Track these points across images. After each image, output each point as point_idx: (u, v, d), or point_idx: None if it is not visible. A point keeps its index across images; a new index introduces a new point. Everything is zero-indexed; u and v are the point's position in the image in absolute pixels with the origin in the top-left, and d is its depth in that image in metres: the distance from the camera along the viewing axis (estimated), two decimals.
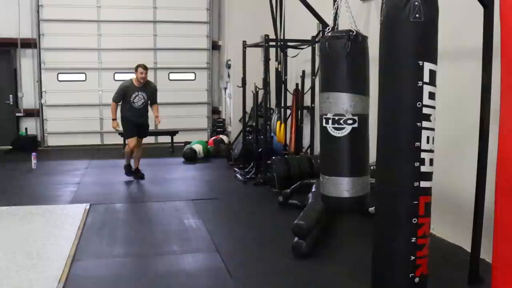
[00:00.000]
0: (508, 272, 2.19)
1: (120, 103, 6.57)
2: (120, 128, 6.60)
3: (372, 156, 3.33)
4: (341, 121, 3.50)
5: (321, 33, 6.12)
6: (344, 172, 3.55)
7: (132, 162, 6.76)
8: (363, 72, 3.61)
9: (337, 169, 3.59)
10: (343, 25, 4.31)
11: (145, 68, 6.40)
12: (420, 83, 2.53)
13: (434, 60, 2.58)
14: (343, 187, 3.52)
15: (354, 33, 3.42)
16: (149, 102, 6.61)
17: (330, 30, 3.60)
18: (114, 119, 6.50)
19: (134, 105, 6.43)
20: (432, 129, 2.61)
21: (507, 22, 2.16)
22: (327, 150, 3.68)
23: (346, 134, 3.46)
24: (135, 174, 6.77)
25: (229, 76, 9.90)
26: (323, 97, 3.63)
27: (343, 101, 3.51)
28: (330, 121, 3.52)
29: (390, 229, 2.68)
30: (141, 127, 6.63)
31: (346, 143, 3.49)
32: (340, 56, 3.52)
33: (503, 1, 2.18)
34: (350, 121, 3.50)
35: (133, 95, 6.40)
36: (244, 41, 7.23)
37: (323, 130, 3.58)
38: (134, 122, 6.50)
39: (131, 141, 6.52)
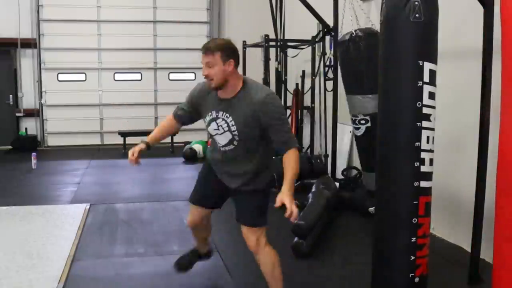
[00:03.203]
0: (509, 272, 2.19)
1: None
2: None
3: None
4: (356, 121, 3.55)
5: (321, 33, 6.13)
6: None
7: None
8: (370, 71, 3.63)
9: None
10: (345, 25, 4.31)
11: (208, 49, 2.44)
12: (420, 83, 2.53)
13: (434, 60, 2.58)
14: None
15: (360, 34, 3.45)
16: (254, 144, 2.56)
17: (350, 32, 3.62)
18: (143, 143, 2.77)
19: (216, 142, 2.66)
20: (432, 129, 2.60)
21: (507, 21, 2.15)
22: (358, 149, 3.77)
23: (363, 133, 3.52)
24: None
25: None
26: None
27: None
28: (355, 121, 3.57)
29: (390, 229, 2.68)
30: (223, 191, 2.79)
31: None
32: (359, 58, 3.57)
33: (503, 1, 2.18)
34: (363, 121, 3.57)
35: (208, 118, 2.60)
36: (244, 41, 7.23)
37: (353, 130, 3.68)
38: (211, 174, 2.82)
39: (191, 211, 2.99)
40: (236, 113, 2.47)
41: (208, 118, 2.57)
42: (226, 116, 2.50)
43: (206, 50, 2.45)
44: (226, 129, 2.51)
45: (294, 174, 2.41)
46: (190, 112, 2.73)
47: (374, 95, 3.55)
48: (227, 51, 2.45)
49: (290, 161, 2.42)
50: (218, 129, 2.54)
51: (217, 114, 2.52)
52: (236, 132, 2.49)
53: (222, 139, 2.56)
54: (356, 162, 5.82)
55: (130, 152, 2.67)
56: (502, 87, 2.29)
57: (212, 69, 2.43)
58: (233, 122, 2.49)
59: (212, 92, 2.55)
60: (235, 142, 2.54)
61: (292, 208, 2.30)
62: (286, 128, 2.48)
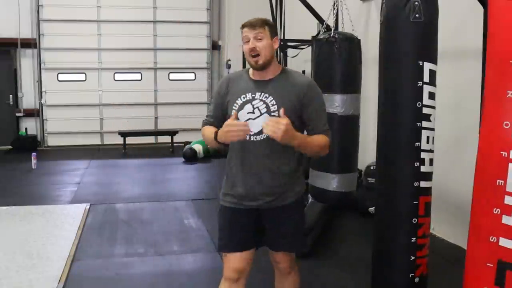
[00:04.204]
0: (478, 271, 2.19)
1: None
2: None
3: (372, 156, 3.34)
4: None
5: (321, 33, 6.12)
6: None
7: None
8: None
9: None
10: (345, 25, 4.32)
11: (257, 23, 2.20)
12: (420, 83, 2.53)
13: (434, 60, 2.58)
14: None
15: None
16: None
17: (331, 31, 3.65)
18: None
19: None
20: (432, 129, 2.61)
21: (495, 20, 2.14)
22: None
23: None
24: None
25: None
26: None
27: None
28: None
29: (390, 229, 2.68)
30: (255, 219, 2.38)
31: None
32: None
33: (491, 1, 2.17)
34: None
35: (240, 101, 2.24)
36: None
37: None
38: (237, 207, 2.44)
39: (228, 262, 2.49)
40: (276, 92, 2.20)
41: (240, 102, 2.23)
42: (265, 97, 2.21)
43: (254, 23, 2.19)
44: (264, 110, 2.19)
45: (317, 142, 2.17)
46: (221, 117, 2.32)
47: (341, 96, 3.70)
48: (273, 27, 2.26)
49: (321, 138, 2.20)
50: (253, 112, 2.20)
51: (253, 95, 2.22)
52: (276, 113, 2.15)
53: (256, 126, 2.18)
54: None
55: (238, 127, 2.10)
56: (485, 94, 2.22)
57: (260, 42, 2.18)
58: (273, 102, 2.19)
59: (243, 76, 2.31)
60: None
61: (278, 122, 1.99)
62: (326, 117, 2.27)
